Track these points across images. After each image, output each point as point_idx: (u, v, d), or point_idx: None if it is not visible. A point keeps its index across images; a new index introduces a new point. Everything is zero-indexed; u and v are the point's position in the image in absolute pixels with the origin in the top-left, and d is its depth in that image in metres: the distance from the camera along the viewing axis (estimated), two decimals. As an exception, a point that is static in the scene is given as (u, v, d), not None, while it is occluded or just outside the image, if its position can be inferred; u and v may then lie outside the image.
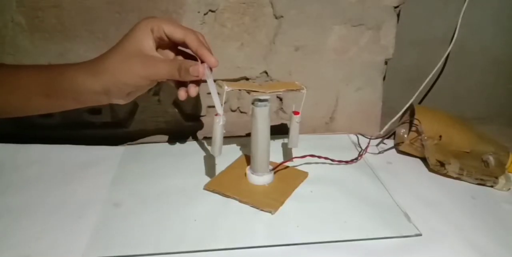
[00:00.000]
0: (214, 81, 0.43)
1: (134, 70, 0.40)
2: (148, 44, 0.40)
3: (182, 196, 0.48)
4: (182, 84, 0.45)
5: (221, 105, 0.44)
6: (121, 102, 0.44)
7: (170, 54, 0.45)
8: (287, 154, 0.56)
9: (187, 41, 0.41)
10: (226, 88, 0.43)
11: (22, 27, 0.51)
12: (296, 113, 0.49)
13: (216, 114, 0.43)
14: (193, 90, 0.44)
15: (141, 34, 0.40)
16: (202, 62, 0.42)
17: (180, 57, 0.45)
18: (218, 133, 0.44)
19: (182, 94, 0.44)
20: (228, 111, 0.61)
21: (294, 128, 0.50)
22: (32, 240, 0.40)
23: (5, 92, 0.43)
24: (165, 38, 0.41)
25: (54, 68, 0.43)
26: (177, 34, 0.41)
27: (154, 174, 0.52)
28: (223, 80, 0.45)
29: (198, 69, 0.40)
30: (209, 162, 0.54)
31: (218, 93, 0.44)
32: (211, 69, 0.42)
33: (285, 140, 0.58)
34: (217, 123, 0.44)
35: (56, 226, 0.42)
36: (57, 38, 0.52)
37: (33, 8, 0.51)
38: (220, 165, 0.53)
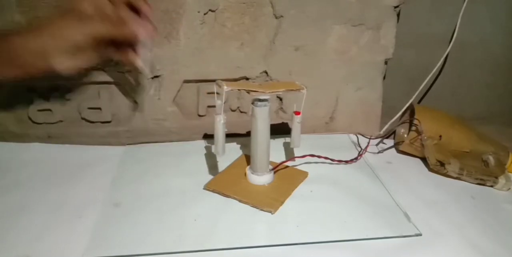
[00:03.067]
0: (213, 80, 0.43)
1: (70, 24, 0.41)
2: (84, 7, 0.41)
3: (182, 196, 0.48)
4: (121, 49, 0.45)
5: (221, 104, 0.44)
6: (60, 67, 0.42)
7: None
8: (289, 154, 0.56)
9: None
10: (226, 88, 0.43)
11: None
12: (297, 113, 0.49)
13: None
14: (131, 54, 0.44)
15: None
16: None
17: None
18: (220, 132, 0.44)
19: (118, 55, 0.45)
20: (228, 111, 0.61)
21: (295, 128, 0.50)
22: (32, 240, 0.40)
23: None
24: None
25: None
26: None
27: (154, 174, 0.52)
28: (223, 80, 0.45)
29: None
30: (209, 162, 0.54)
31: (217, 93, 0.43)
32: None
33: (286, 139, 0.58)
34: (219, 122, 0.44)
35: (56, 226, 0.42)
36: (57, 38, 0.52)
37: (33, 8, 0.50)
38: (220, 165, 0.53)
